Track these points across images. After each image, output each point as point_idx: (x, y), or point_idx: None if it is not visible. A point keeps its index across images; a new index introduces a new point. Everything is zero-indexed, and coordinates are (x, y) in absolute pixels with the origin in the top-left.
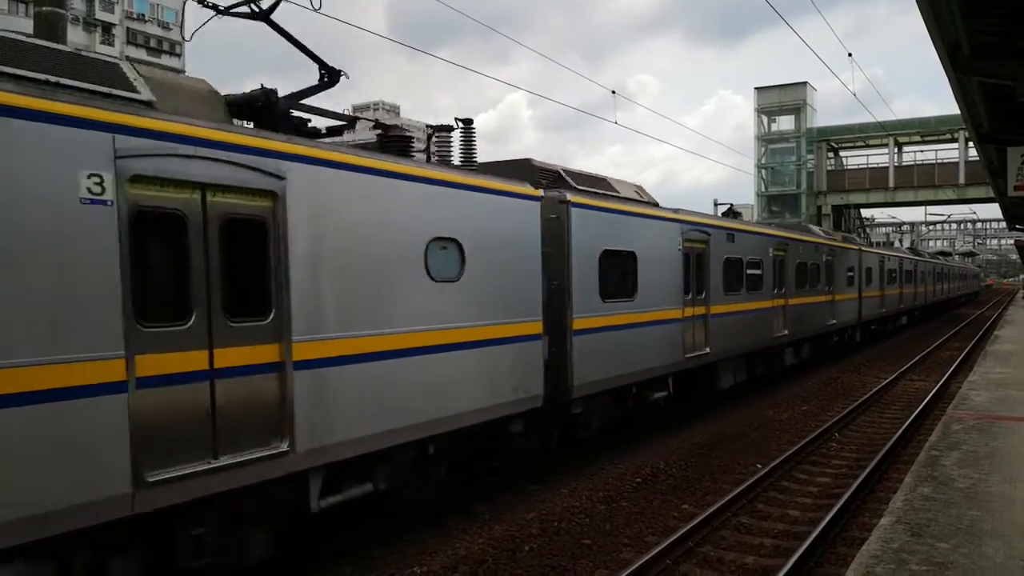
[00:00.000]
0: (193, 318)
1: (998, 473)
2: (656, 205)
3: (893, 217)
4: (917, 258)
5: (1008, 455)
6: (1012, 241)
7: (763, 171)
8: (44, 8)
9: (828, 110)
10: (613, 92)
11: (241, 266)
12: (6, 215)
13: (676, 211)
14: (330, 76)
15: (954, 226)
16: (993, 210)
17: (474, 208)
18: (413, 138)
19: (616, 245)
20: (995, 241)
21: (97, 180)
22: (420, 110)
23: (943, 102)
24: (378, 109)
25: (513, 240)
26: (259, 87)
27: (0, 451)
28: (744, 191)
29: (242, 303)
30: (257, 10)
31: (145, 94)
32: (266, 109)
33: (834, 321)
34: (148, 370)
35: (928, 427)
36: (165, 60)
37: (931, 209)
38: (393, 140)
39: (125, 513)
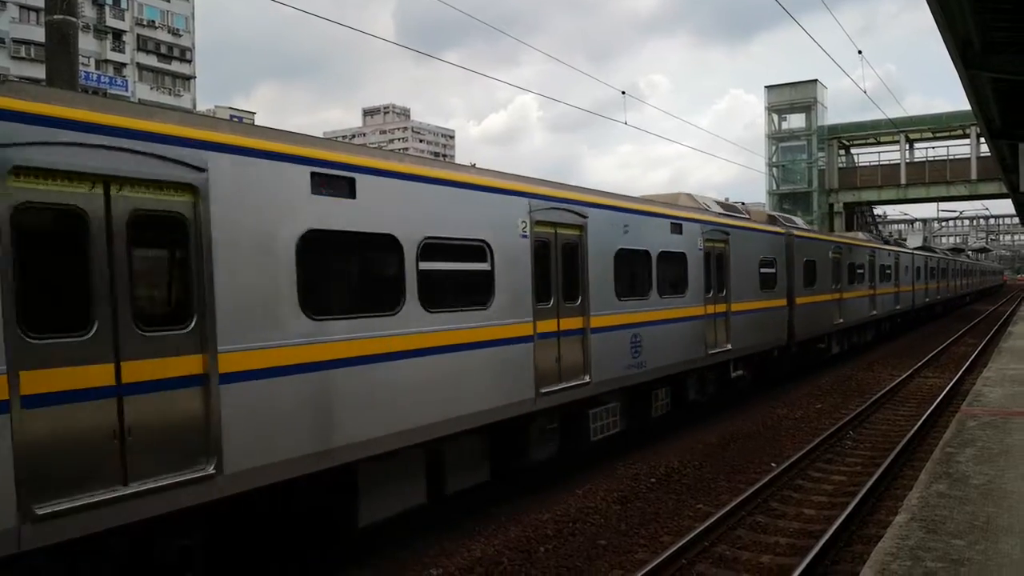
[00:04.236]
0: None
1: (1013, 469)
2: None
3: (905, 214)
4: (969, 261)
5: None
6: None
7: (774, 169)
8: (55, 16)
9: (839, 107)
10: (623, 92)
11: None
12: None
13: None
14: None
15: (967, 222)
16: (1006, 206)
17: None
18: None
19: None
20: (1008, 237)
21: None
22: (431, 112)
23: (955, 97)
24: (388, 112)
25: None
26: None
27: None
28: (755, 189)
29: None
30: None
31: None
32: None
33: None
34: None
35: (943, 424)
36: (176, 66)
37: (943, 205)
38: None
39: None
